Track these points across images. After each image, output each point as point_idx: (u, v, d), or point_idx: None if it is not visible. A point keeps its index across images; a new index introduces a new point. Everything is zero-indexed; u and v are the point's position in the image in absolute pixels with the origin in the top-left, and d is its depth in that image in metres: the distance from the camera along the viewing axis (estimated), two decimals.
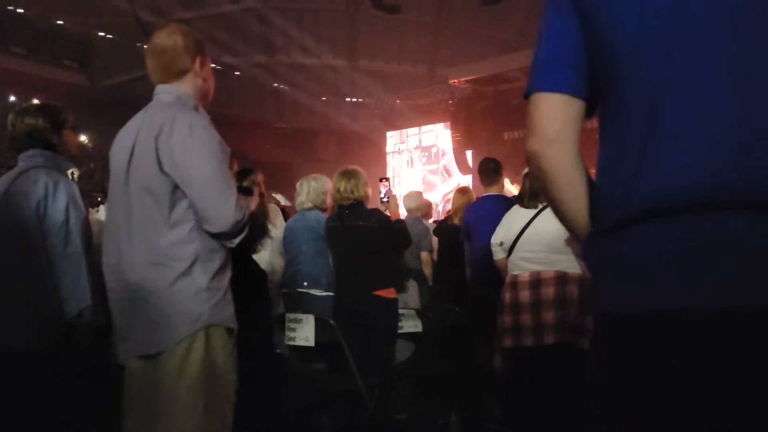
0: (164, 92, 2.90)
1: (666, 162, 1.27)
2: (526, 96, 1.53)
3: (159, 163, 2.67)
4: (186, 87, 2.91)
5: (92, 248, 3.49)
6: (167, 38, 2.90)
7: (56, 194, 3.33)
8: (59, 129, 3.58)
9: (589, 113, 1.51)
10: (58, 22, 19.96)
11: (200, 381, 2.71)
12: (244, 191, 3.40)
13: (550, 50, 1.51)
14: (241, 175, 5.60)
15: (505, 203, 5.39)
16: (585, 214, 1.49)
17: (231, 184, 2.79)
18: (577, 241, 1.56)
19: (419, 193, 7.82)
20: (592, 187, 1.49)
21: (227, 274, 2.86)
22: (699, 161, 1.24)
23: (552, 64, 1.50)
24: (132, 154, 2.76)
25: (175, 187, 2.69)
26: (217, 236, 2.75)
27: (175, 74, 2.90)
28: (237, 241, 2.80)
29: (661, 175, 1.27)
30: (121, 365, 2.89)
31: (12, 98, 18.10)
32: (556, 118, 1.48)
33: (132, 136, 2.79)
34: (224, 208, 2.70)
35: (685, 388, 1.24)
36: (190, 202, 2.71)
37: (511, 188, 9.46)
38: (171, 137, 2.67)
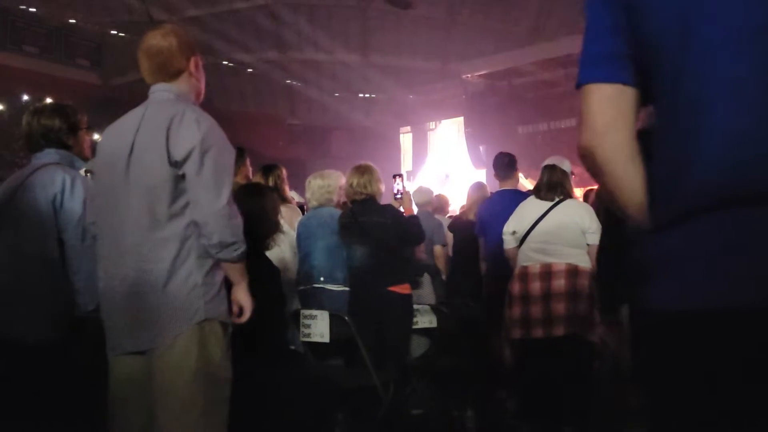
0: (163, 90, 2.95)
1: (715, 157, 1.23)
2: (578, 87, 1.51)
3: (168, 154, 2.69)
4: (182, 86, 2.97)
5: None
6: (162, 39, 2.96)
7: (74, 189, 3.36)
8: (75, 130, 3.62)
9: (644, 101, 1.46)
10: (71, 20, 19.98)
11: (198, 376, 2.74)
12: (253, 189, 3.39)
13: (597, 40, 1.49)
14: (266, 170, 5.61)
15: (520, 198, 5.38)
16: (644, 207, 1.43)
17: (228, 193, 2.80)
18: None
19: (429, 189, 7.81)
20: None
21: (222, 270, 2.89)
22: (750, 155, 1.20)
23: (600, 54, 1.48)
24: (132, 149, 2.78)
25: (179, 181, 2.72)
26: (207, 247, 2.78)
27: (170, 74, 2.95)
28: (225, 256, 2.81)
29: (711, 170, 1.24)
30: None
31: (25, 97, 18.15)
32: (606, 109, 1.45)
33: (131, 132, 2.81)
34: (210, 222, 2.74)
35: (742, 389, 1.20)
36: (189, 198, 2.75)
37: (526, 183, 9.43)
38: (180, 128, 2.71)
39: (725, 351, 1.21)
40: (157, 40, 2.96)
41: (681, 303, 1.26)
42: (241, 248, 2.83)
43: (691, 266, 1.26)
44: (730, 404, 1.21)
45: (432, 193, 7.65)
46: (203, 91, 3.10)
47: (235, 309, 2.97)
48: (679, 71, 1.31)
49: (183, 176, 2.72)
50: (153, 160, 2.72)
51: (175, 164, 2.70)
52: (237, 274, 2.92)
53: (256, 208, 3.71)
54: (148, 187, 2.73)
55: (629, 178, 1.44)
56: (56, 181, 3.36)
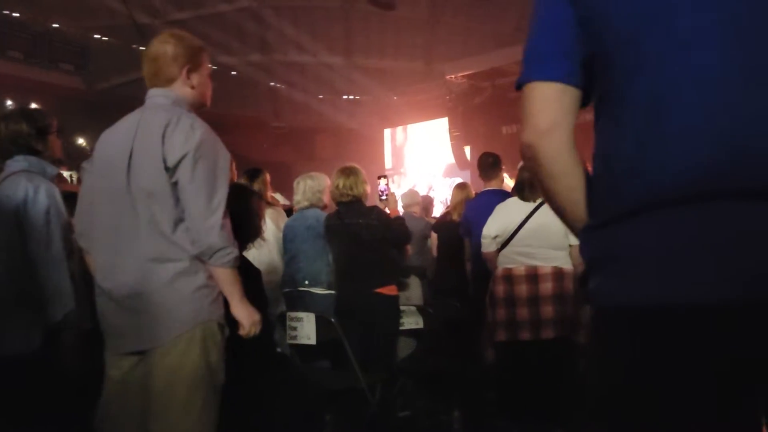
0: (159, 95, 2.96)
1: (668, 153, 1.25)
2: (519, 86, 1.51)
3: (164, 160, 2.70)
4: (178, 92, 2.98)
5: (75, 252, 3.49)
6: (159, 46, 2.98)
7: (36, 198, 3.31)
8: (44, 135, 3.57)
9: (585, 102, 1.49)
10: (54, 25, 19.90)
11: (196, 376, 2.75)
12: (236, 192, 3.39)
13: (542, 38, 1.49)
14: (251, 175, 5.61)
15: (504, 198, 5.39)
16: (583, 206, 1.47)
17: (219, 200, 2.80)
18: (574, 233, 1.53)
19: (416, 192, 7.84)
20: (589, 179, 1.47)
21: None
22: (703, 152, 1.22)
23: (544, 53, 1.48)
24: (131, 155, 2.78)
25: (174, 185, 2.73)
26: (198, 254, 2.79)
27: (164, 80, 2.97)
28: (216, 262, 2.81)
29: (664, 166, 1.25)
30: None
31: (9, 102, 18.07)
32: (549, 108, 1.46)
33: (129, 137, 2.81)
34: (200, 228, 2.75)
35: (685, 386, 1.23)
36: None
37: (510, 183, 9.43)
38: (174, 133, 2.71)
39: (675, 347, 1.24)
40: (155, 45, 2.99)
41: (630, 299, 1.29)
42: (233, 253, 2.83)
43: (643, 261, 1.27)
44: (673, 401, 1.24)
45: (418, 195, 7.67)
46: (207, 98, 3.11)
47: (240, 326, 2.96)
48: (637, 68, 1.32)
49: (176, 182, 2.72)
50: (151, 166, 2.73)
51: (168, 169, 2.71)
52: (227, 284, 2.87)
53: (241, 210, 3.71)
54: (150, 192, 2.73)
55: (570, 176, 1.47)
56: (19, 191, 3.31)
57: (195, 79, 3.02)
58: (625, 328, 1.30)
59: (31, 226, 3.29)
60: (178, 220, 2.76)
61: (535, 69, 1.49)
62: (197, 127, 2.77)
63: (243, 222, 3.63)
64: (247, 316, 2.94)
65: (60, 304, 3.24)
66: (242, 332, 2.95)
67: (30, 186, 3.32)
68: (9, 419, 3.15)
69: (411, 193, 7.57)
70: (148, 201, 2.74)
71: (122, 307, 2.80)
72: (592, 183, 1.45)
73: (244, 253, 4.04)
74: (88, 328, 3.46)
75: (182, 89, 2.99)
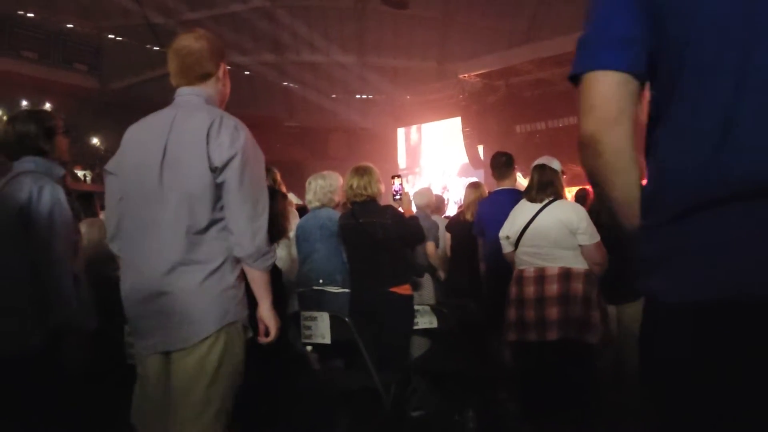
0: (191, 93, 2.93)
1: (752, 144, 1.21)
2: (577, 75, 1.44)
3: (209, 159, 2.70)
4: (210, 90, 2.96)
5: (78, 253, 3.49)
6: (195, 41, 2.94)
7: (40, 199, 3.29)
8: (51, 135, 3.55)
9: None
10: (68, 25, 19.99)
11: (219, 376, 2.75)
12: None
13: (604, 23, 1.43)
14: None
15: (517, 197, 5.36)
16: (638, 204, 1.41)
17: (264, 203, 2.83)
18: (622, 232, 1.48)
19: (429, 190, 7.81)
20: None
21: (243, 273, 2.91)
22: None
23: (606, 39, 1.41)
24: (165, 153, 2.77)
25: (217, 186, 2.73)
26: (244, 257, 2.81)
27: (198, 77, 2.94)
28: (260, 265, 2.83)
29: (747, 157, 1.21)
30: (125, 365, 2.90)
31: (24, 102, 18.16)
32: (616, 97, 1.39)
33: (162, 136, 2.79)
34: (248, 231, 2.76)
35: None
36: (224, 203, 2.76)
37: (524, 182, 9.41)
38: (221, 134, 2.71)
39: (738, 340, 1.21)
40: (189, 41, 2.94)
41: (695, 294, 1.25)
42: (274, 257, 2.87)
43: (706, 257, 1.24)
44: (739, 395, 1.21)
45: (432, 194, 7.64)
46: (227, 98, 3.10)
47: (261, 327, 2.96)
48: (706, 66, 1.27)
49: (222, 183, 2.72)
50: (193, 166, 2.72)
51: (215, 170, 2.70)
52: (262, 287, 2.89)
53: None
54: (188, 191, 2.72)
55: (631, 171, 1.42)
56: (23, 192, 3.29)
57: (226, 78, 3.03)
58: (699, 323, 1.26)
59: (34, 226, 3.27)
60: (214, 221, 2.76)
61: (594, 57, 1.42)
62: (241, 129, 2.78)
63: (270, 222, 3.65)
64: (274, 321, 2.95)
65: (62, 304, 3.23)
66: (268, 339, 2.95)
67: (34, 186, 3.31)
68: (10, 420, 3.16)
69: (423, 193, 7.54)
70: (185, 201, 2.73)
71: (150, 309, 2.79)
72: (654, 176, 1.38)
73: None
74: (93, 328, 3.47)
75: (214, 87, 2.98)
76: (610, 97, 1.39)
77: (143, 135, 2.91)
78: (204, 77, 2.94)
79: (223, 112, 2.83)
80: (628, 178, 1.42)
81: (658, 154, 1.35)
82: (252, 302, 2.91)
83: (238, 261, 2.82)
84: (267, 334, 2.95)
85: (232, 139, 2.72)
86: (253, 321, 2.92)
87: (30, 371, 3.20)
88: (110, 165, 3.04)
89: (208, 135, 2.70)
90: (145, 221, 2.81)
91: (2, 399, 3.17)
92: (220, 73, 2.99)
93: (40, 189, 3.30)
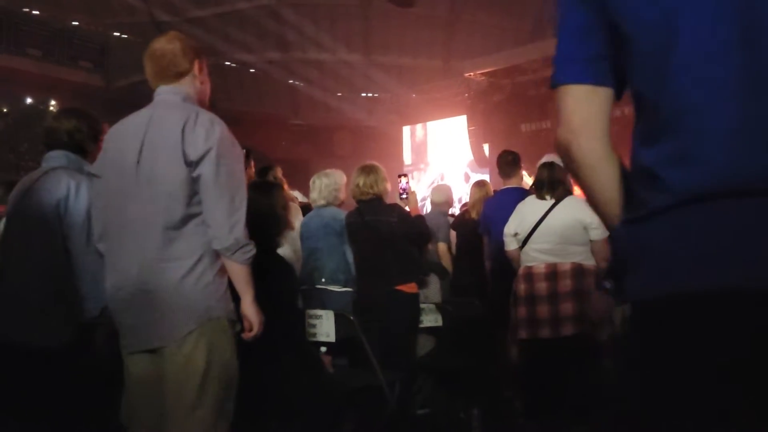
0: (169, 92, 2.98)
1: (706, 150, 1.26)
2: (553, 87, 1.55)
3: (184, 154, 2.72)
4: (187, 88, 3.00)
5: None
6: (167, 43, 3.01)
7: (78, 195, 3.36)
8: (96, 138, 3.62)
9: (617, 96, 1.52)
10: (73, 23, 19.99)
11: (208, 373, 2.76)
12: (263, 187, 3.39)
13: (569, 40, 1.53)
14: (262, 172, 5.64)
15: (524, 196, 5.37)
16: (617, 203, 1.50)
17: (241, 196, 2.84)
18: (608, 228, 1.58)
19: (447, 187, 7.77)
20: (625, 174, 1.50)
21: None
22: (740, 149, 1.23)
23: (572, 55, 1.52)
24: (141, 150, 2.80)
25: (193, 181, 2.74)
26: (221, 250, 2.81)
27: (173, 75, 2.98)
28: (239, 258, 2.83)
29: (702, 162, 1.26)
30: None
31: (29, 100, 18.17)
32: (580, 108, 1.50)
33: (139, 134, 2.83)
34: (225, 224, 2.77)
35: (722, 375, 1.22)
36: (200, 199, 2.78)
37: (530, 181, 9.39)
38: (195, 129, 2.74)
39: (716, 332, 1.23)
40: (162, 44, 3.02)
41: (668, 287, 1.29)
42: (253, 250, 2.87)
43: (678, 252, 1.28)
44: (721, 390, 1.23)
45: (450, 192, 7.58)
46: (208, 95, 3.13)
47: (246, 324, 2.97)
48: (662, 72, 1.32)
49: (198, 177, 2.74)
50: (169, 163, 2.75)
51: (191, 164, 2.73)
52: (243, 281, 2.90)
53: (266, 205, 3.74)
54: (163, 187, 2.75)
55: (603, 174, 1.51)
56: (61, 186, 3.36)
57: (203, 75, 3.06)
58: (673, 317, 1.29)
59: (72, 221, 3.34)
60: (191, 216, 2.78)
61: (562, 72, 1.54)
62: (217, 123, 2.81)
63: (270, 216, 3.65)
64: (257, 316, 2.96)
65: (97, 299, 3.26)
66: (251, 335, 2.96)
67: (72, 182, 3.37)
68: (39, 412, 3.18)
69: (441, 189, 7.49)
70: (161, 197, 2.76)
71: (132, 306, 2.82)
72: (628, 178, 1.48)
73: (279, 250, 4.06)
74: None
75: (191, 85, 3.02)
76: (576, 108, 1.51)
77: (122, 135, 2.96)
78: (179, 75, 2.99)
79: (199, 108, 2.87)
80: (601, 179, 1.52)
81: (632, 153, 1.45)
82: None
83: (218, 256, 2.83)
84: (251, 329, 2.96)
85: (208, 133, 2.75)
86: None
87: (60, 364, 3.23)
88: (94, 167, 3.09)
89: (183, 131, 2.73)
90: (123, 220, 2.84)
91: (35, 392, 3.19)
92: (197, 70, 3.02)
93: (78, 185, 3.37)
